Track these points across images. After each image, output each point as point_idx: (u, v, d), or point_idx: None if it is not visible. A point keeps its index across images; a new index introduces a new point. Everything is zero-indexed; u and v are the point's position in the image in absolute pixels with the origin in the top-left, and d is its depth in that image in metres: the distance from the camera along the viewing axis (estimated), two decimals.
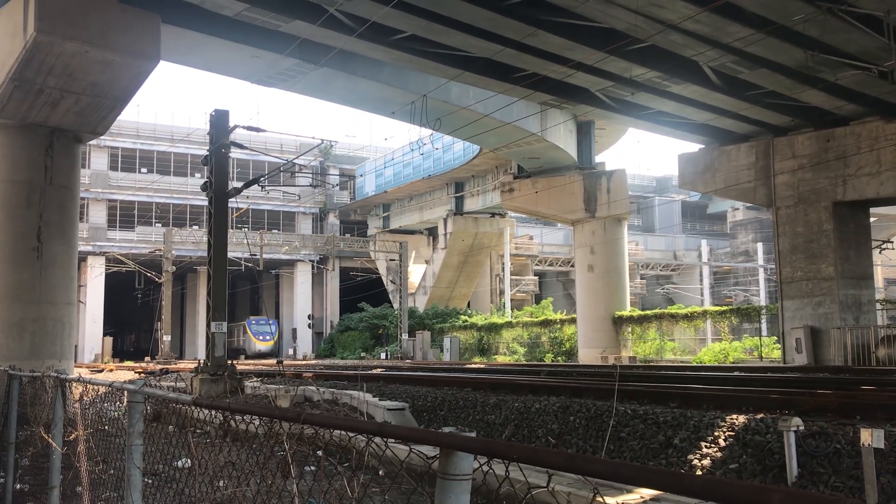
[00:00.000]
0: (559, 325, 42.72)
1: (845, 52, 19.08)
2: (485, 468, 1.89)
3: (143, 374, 29.72)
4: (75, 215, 21.27)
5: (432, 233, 60.89)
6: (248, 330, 61.55)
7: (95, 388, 6.07)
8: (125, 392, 4.18)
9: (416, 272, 60.15)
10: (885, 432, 8.00)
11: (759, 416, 10.25)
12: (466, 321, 50.00)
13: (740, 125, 26.70)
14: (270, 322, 63.18)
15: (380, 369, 28.57)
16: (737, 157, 28.08)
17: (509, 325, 46.57)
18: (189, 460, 4.64)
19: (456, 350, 45.50)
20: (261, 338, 60.68)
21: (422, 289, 58.59)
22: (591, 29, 19.24)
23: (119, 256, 52.26)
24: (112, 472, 6.02)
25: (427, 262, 60.61)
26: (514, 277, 57.25)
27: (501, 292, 55.75)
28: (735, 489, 1.09)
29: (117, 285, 59.32)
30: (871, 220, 29.05)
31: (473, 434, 1.93)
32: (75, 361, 30.02)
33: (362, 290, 59.31)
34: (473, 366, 32.14)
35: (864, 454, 7.65)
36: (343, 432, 2.47)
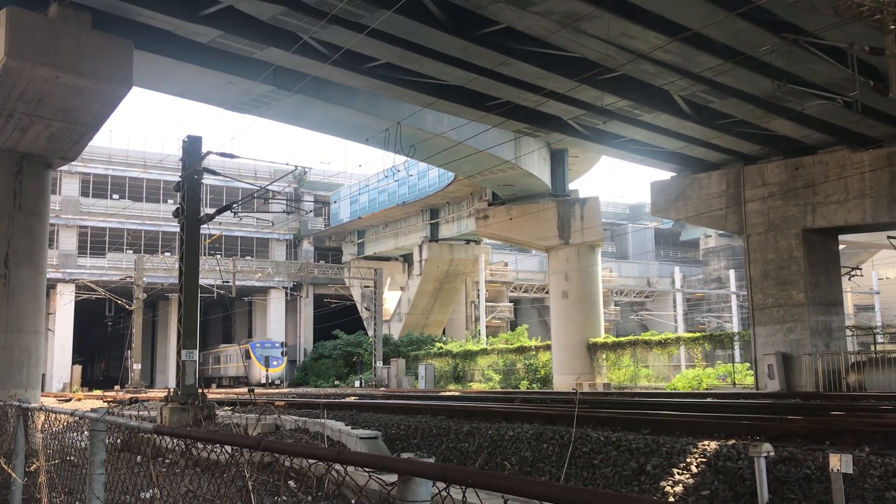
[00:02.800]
0: (534, 352, 42.71)
1: (811, 82, 19.47)
2: (443, 494, 1.87)
3: (111, 403, 29.23)
4: (44, 241, 21.00)
5: (407, 259, 60.85)
6: (253, 354, 55.15)
7: (60, 417, 5.95)
8: (87, 420, 4.10)
9: (391, 299, 59.96)
10: (854, 457, 8.05)
11: (731, 442, 10.28)
12: (441, 348, 49.85)
13: (711, 153, 27.07)
14: (277, 345, 57.01)
15: (353, 397, 28.34)
16: (708, 184, 28.44)
17: (484, 352, 46.48)
18: (157, 491, 4.56)
19: (431, 377, 45.28)
20: (266, 363, 53.84)
21: (397, 316, 58.40)
22: (564, 58, 19.48)
23: (89, 283, 51.62)
24: (77, 503, 5.89)
25: (402, 288, 60.47)
26: (489, 304, 57.27)
27: (476, 319, 55.70)
28: None
29: (87, 313, 58.56)
30: (841, 247, 29.47)
31: (432, 460, 1.91)
32: (43, 390, 29.47)
33: (336, 317, 58.93)
34: (448, 393, 31.98)
35: (833, 479, 7.69)
36: (304, 460, 2.43)
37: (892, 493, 7.91)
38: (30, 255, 20.00)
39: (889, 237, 30.75)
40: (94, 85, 18.11)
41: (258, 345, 56.19)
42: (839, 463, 7.56)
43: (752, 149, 26.16)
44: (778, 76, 18.70)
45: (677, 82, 20.28)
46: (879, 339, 31.71)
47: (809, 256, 25.84)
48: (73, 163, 27.34)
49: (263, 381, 52.50)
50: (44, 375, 38.75)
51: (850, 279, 31.92)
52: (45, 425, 6.16)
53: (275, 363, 54.50)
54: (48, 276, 25.15)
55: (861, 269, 36.40)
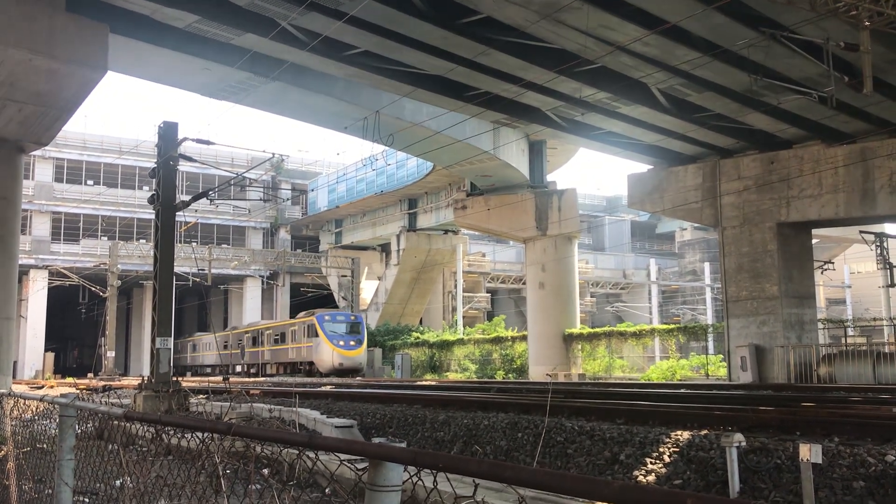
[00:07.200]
0: (510, 343, 42.86)
1: (787, 77, 19.63)
2: (414, 479, 1.86)
3: (84, 391, 28.95)
4: (16, 227, 20.72)
5: (385, 249, 60.73)
6: (321, 331, 41.28)
7: (33, 404, 5.89)
8: (56, 406, 4.05)
9: (368, 288, 59.82)
10: (823, 448, 8.16)
11: (704, 432, 10.38)
12: (418, 338, 49.88)
13: (688, 146, 27.23)
14: (355, 319, 43.64)
15: (329, 386, 28.28)
16: (684, 177, 28.61)
17: (461, 342, 46.57)
18: (128, 478, 4.52)
19: (407, 367, 45.32)
20: (342, 344, 40.96)
21: (374, 305, 58.31)
22: (543, 49, 19.48)
23: (63, 270, 51.03)
24: (49, 491, 5.83)
25: (379, 278, 60.36)
26: (466, 294, 57.34)
27: (454, 309, 55.77)
28: (648, 493, 1.09)
29: (60, 300, 57.88)
30: (814, 241, 29.81)
31: (403, 444, 1.90)
32: (14, 378, 29.14)
33: (313, 306, 58.58)
34: (424, 383, 32.02)
35: (803, 469, 7.78)
36: (277, 447, 2.42)
37: (860, 483, 8.03)
38: (1, 241, 19.73)
39: (861, 232, 31.17)
40: (68, 69, 17.85)
41: (328, 317, 42.53)
42: (809, 453, 7.65)
43: (728, 142, 26.34)
44: (755, 70, 18.82)
45: (655, 75, 20.36)
46: (850, 332, 32.16)
47: (783, 250, 26.11)
48: (46, 147, 26.94)
49: (337, 367, 40.61)
50: (15, 363, 38.28)
51: (822, 273, 32.30)
52: (15, 412, 6.09)
53: (353, 344, 41.55)
54: (20, 262, 24.83)
55: (833, 263, 36.84)
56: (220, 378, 36.64)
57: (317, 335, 41.61)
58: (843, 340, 28.84)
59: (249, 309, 61.62)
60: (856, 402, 14.41)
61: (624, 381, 31.21)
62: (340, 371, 40.10)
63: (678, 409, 12.88)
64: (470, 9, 17.70)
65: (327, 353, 40.64)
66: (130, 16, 19.18)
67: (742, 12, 16.66)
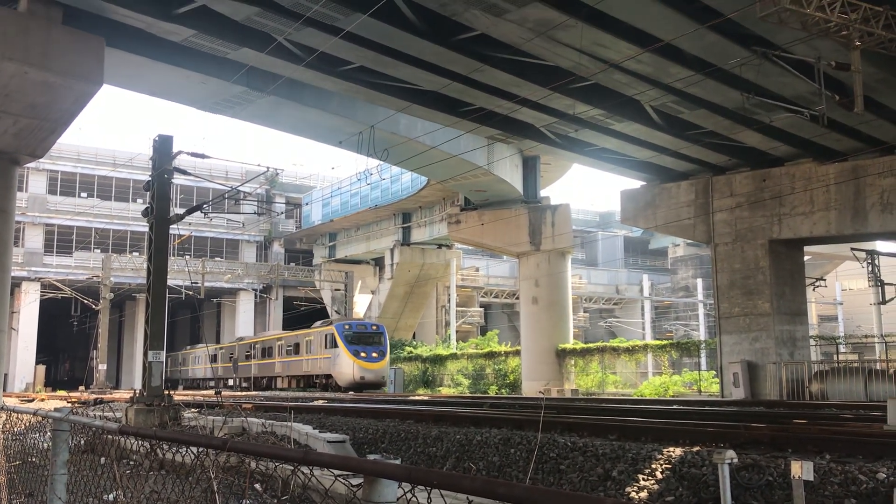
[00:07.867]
0: (504, 358, 42.80)
1: (780, 95, 19.78)
2: (408, 496, 1.89)
3: (75, 404, 28.80)
4: (9, 239, 20.66)
5: (379, 263, 60.69)
6: (341, 341, 38.03)
7: (24, 417, 5.87)
8: (50, 420, 4.06)
9: (361, 302, 59.70)
10: (815, 465, 8.18)
11: (696, 448, 10.39)
12: (411, 352, 49.79)
13: (680, 163, 27.37)
14: (377, 329, 40.40)
15: (322, 401, 28.19)
16: (677, 194, 28.74)
17: (454, 356, 46.49)
18: (121, 493, 4.52)
19: (400, 382, 45.21)
20: (364, 356, 37.81)
21: (367, 319, 58.22)
22: (537, 66, 19.60)
23: (55, 282, 50.84)
24: None
25: (373, 292, 60.30)
26: (459, 309, 57.29)
27: (447, 324, 55.69)
28: None
29: (52, 312, 57.68)
30: (806, 258, 29.94)
31: (398, 461, 1.92)
32: (4, 390, 28.99)
33: (306, 319, 58.35)
34: (417, 398, 31.93)
35: (795, 486, 7.80)
36: (271, 462, 2.44)
37: (851, 501, 8.06)
38: None
39: (852, 249, 31.32)
40: (63, 82, 17.88)
41: (347, 326, 39.18)
42: (801, 470, 7.68)
43: (720, 159, 26.49)
44: (747, 89, 18.98)
45: (648, 92, 20.50)
46: (842, 349, 32.25)
47: (775, 267, 26.21)
48: (40, 160, 26.94)
49: (358, 380, 37.39)
50: (6, 375, 38.07)
51: (814, 290, 32.45)
52: (7, 425, 6.08)
53: (375, 356, 38.29)
54: (13, 275, 24.74)
55: (825, 280, 37.02)
56: (212, 392, 36.26)
57: (336, 346, 38.22)
58: (834, 357, 28.90)
59: (242, 322, 61.46)
60: (847, 419, 14.45)
61: (617, 397, 31.20)
62: (362, 385, 37.21)
63: (670, 425, 12.89)
64: (465, 26, 17.81)
65: (347, 366, 37.49)
66: (127, 30, 19.23)
67: (734, 31, 16.82)
